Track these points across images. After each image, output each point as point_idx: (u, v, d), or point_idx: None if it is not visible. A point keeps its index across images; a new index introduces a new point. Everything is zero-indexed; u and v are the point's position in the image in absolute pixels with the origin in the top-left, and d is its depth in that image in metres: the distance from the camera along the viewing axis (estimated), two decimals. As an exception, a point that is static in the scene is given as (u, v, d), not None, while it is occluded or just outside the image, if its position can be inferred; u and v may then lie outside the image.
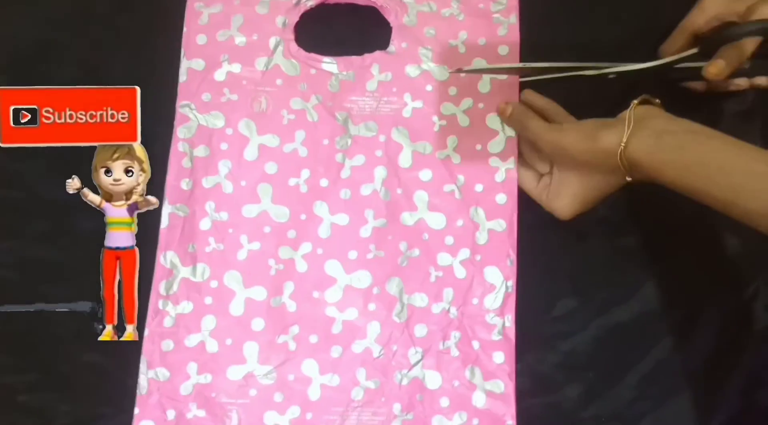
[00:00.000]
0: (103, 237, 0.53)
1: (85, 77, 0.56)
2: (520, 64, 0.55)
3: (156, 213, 0.53)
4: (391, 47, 0.57)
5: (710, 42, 0.51)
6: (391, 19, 0.57)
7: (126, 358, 0.51)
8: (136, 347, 0.51)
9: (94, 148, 0.54)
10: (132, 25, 0.58)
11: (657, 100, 0.48)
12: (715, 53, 0.50)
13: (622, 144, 0.45)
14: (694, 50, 0.52)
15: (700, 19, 0.52)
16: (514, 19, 0.57)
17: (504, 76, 0.55)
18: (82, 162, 0.54)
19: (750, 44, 0.50)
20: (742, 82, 0.56)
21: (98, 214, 0.54)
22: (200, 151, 0.54)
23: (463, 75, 0.55)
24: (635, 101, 0.47)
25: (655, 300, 0.54)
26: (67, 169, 0.54)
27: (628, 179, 0.47)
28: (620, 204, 0.53)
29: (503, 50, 0.56)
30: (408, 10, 0.57)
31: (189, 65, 0.55)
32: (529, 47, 0.56)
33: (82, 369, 0.52)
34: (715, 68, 0.50)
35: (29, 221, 0.54)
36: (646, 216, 0.55)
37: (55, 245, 0.54)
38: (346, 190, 0.54)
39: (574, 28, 0.58)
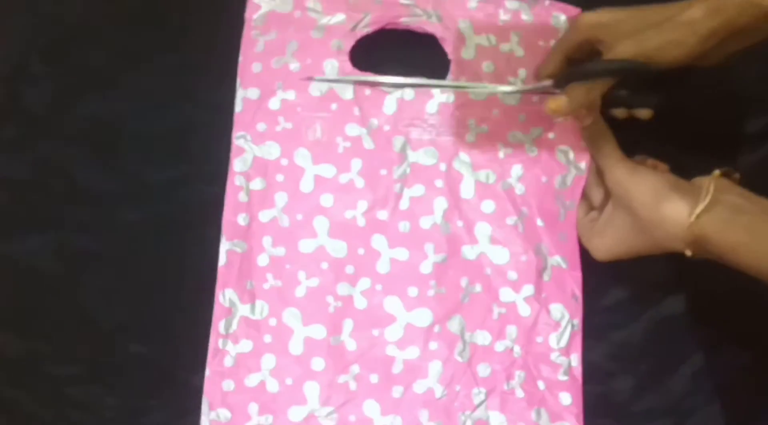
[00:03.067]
0: (145, 227, 0.53)
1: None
2: (377, 78, 0.53)
3: (214, 251, 0.52)
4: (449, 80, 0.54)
5: (563, 77, 0.48)
6: (449, 50, 0.54)
7: (171, 349, 0.52)
8: (180, 338, 0.51)
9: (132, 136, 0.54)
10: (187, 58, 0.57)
11: (737, 174, 0.44)
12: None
13: (693, 216, 0.42)
14: (549, 82, 0.49)
15: (572, 39, 0.48)
16: None
17: None
18: (120, 149, 0.54)
19: (600, 85, 0.47)
20: (619, 113, 0.51)
21: (141, 204, 0.54)
22: (256, 184, 0.53)
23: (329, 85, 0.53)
24: (717, 171, 0.43)
25: (707, 292, 0.52)
26: (106, 161, 0.54)
27: (688, 253, 0.43)
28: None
29: None
30: (466, 42, 0.54)
31: (244, 94, 0.54)
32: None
33: (128, 360, 0.52)
34: (553, 104, 0.47)
35: (70, 211, 0.54)
36: None
37: (96, 235, 0.54)
38: (405, 223, 0.52)
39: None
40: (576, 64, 0.49)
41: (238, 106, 0.54)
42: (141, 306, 0.53)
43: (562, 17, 0.55)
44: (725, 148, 0.55)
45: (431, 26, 0.55)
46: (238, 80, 0.54)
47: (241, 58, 0.54)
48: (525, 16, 0.55)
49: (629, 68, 0.45)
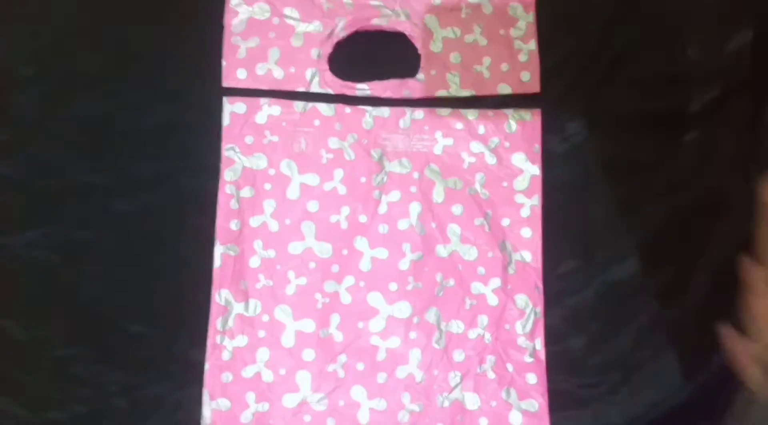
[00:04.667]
0: (137, 217, 0.57)
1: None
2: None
3: (207, 258, 0.57)
4: (420, 75, 0.60)
5: None
6: (418, 46, 0.60)
7: (169, 327, 0.56)
8: (177, 317, 0.56)
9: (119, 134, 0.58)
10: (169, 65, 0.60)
11: None
12: None
13: None
14: None
15: None
16: (533, 44, 0.60)
17: (529, 117, 0.59)
18: (108, 147, 0.58)
19: None
20: None
21: (131, 197, 0.58)
22: (246, 192, 0.57)
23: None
24: None
25: (650, 258, 0.59)
26: (95, 158, 0.58)
27: None
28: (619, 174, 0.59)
29: (525, 76, 0.60)
30: (434, 36, 0.60)
31: (232, 109, 0.58)
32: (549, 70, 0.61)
33: (128, 340, 0.56)
34: None
35: (64, 206, 0.57)
36: (637, 177, 0.60)
37: (90, 227, 0.57)
38: (384, 225, 0.58)
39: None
40: None
41: (226, 120, 0.58)
42: (137, 290, 0.56)
43: (519, 7, 0.61)
44: (670, 123, 0.61)
45: (400, 24, 0.60)
46: (224, 85, 0.58)
47: (224, 63, 0.59)
48: (485, 9, 0.61)
49: None
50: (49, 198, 0.57)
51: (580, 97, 0.61)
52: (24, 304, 0.56)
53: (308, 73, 0.59)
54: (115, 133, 0.59)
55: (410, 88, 0.59)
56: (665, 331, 0.58)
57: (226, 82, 0.59)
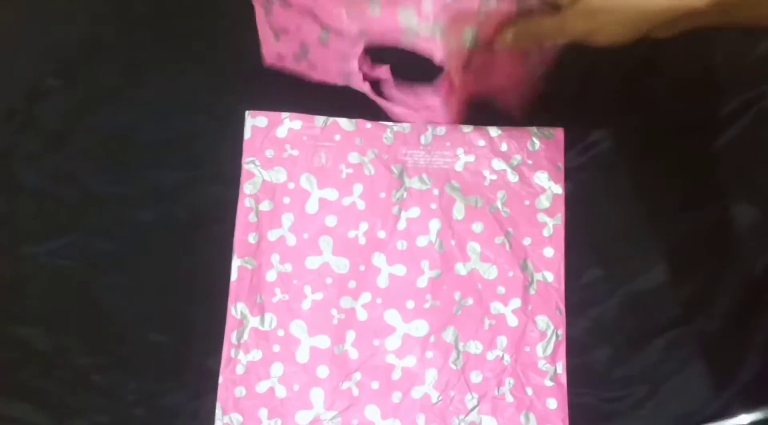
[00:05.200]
0: (157, 226, 0.57)
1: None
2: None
3: (226, 267, 0.56)
4: None
5: None
6: None
7: (186, 336, 0.56)
8: (194, 326, 0.56)
9: (140, 144, 0.59)
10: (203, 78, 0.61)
11: None
12: None
13: None
14: None
15: None
16: None
17: (552, 136, 0.58)
18: (129, 157, 0.59)
19: None
20: None
21: (151, 206, 0.58)
22: (265, 206, 0.57)
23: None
24: None
25: (677, 268, 0.57)
26: (118, 168, 0.59)
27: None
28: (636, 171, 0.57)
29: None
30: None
31: (253, 123, 0.59)
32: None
33: (147, 348, 0.56)
34: None
35: (86, 215, 0.58)
36: (662, 184, 0.58)
37: (112, 236, 0.58)
38: (403, 242, 0.57)
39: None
40: None
41: (247, 133, 0.59)
42: (157, 299, 0.56)
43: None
44: (697, 131, 0.59)
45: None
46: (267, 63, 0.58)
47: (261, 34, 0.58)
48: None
49: None
50: (72, 207, 0.58)
51: (604, 103, 0.60)
52: (47, 313, 0.56)
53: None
54: (137, 144, 0.59)
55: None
56: (693, 343, 0.55)
57: (269, 58, 0.58)
